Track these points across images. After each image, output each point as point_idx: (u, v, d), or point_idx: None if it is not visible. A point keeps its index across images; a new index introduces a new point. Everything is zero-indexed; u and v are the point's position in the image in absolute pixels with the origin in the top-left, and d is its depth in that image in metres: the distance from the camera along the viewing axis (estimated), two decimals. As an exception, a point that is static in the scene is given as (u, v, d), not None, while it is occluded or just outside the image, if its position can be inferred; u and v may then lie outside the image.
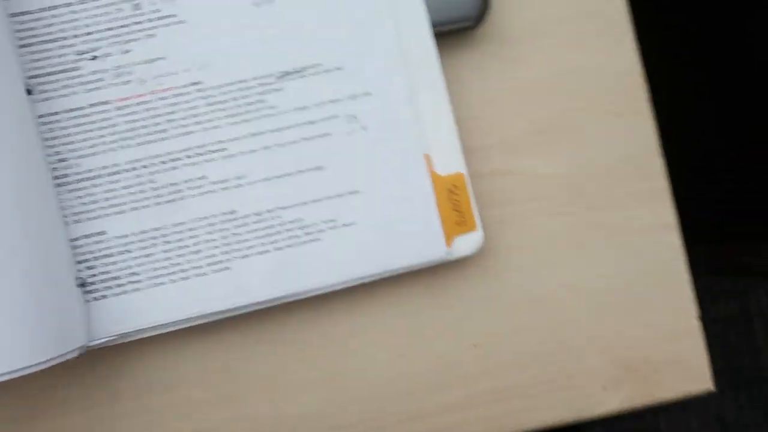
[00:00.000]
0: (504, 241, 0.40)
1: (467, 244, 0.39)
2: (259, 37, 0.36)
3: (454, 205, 0.39)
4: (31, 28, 0.35)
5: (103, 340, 0.36)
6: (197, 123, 0.36)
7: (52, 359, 0.34)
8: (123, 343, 0.37)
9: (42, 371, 0.36)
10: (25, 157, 0.34)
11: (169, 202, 0.36)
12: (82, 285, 0.36)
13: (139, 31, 0.36)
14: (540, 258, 0.40)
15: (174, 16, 0.36)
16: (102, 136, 0.36)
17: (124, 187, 0.36)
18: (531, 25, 0.40)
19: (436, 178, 0.38)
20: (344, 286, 0.38)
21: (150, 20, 0.36)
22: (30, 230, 0.34)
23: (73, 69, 0.35)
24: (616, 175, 0.40)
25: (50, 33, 0.35)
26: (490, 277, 0.40)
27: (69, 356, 0.34)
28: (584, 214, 0.40)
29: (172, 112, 0.36)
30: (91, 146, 0.36)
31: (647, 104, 0.40)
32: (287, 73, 0.37)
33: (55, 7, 0.35)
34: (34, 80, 0.35)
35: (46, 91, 0.35)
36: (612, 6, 0.39)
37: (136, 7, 0.35)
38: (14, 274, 0.33)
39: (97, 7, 0.35)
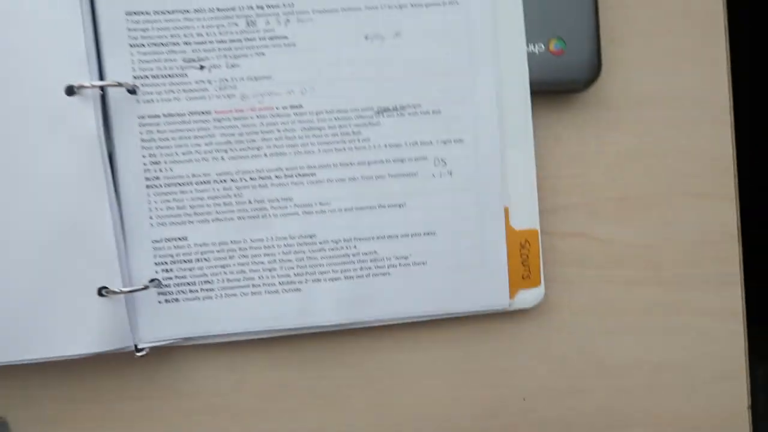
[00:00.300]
0: (568, 301, 0.40)
1: (529, 298, 0.39)
2: (365, 71, 0.36)
3: (522, 259, 0.39)
4: (144, 29, 0.35)
5: (169, 341, 0.37)
6: (291, 145, 0.37)
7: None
8: (188, 345, 0.38)
9: (107, 363, 0.38)
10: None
11: (252, 217, 0.37)
12: (157, 286, 0.37)
13: (250, 47, 0.36)
14: (601, 323, 0.40)
15: (286, 38, 0.36)
16: (197, 145, 0.36)
17: (211, 198, 0.37)
18: (635, 96, 0.40)
19: (510, 232, 0.38)
20: (406, 321, 0.39)
21: (262, 39, 0.36)
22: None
23: (180, 75, 0.36)
24: (692, 254, 0.40)
25: (162, 36, 0.35)
26: (549, 334, 0.40)
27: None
28: (652, 288, 0.40)
29: (269, 132, 0.36)
30: (186, 153, 0.36)
31: (734, 191, 0.40)
32: (386, 110, 0.37)
33: (171, 12, 0.35)
34: (139, 81, 0.35)
35: (149, 93, 0.35)
36: (717, 93, 0.40)
37: (251, 23, 0.36)
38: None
39: (213, 18, 0.35)
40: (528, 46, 0.37)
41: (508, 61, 0.37)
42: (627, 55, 0.40)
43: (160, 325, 0.37)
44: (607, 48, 0.39)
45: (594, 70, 0.38)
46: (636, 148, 0.40)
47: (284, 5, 0.36)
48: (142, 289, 0.36)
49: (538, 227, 0.39)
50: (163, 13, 0.35)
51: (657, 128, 0.40)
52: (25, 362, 0.36)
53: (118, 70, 0.35)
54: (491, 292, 0.39)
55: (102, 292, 0.35)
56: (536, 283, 0.39)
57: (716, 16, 0.40)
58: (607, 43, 0.39)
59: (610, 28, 0.39)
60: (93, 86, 0.34)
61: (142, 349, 0.37)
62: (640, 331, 0.40)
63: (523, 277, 0.39)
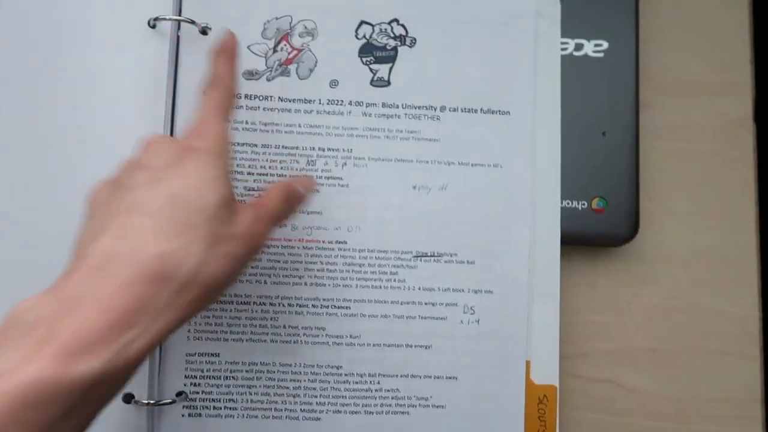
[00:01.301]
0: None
1: (542, 453, 0.40)
2: (409, 217, 0.39)
3: (540, 413, 0.40)
4: (214, 157, 0.38)
5: (185, 456, 0.37)
6: (331, 278, 0.38)
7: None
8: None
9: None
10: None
11: (284, 342, 0.38)
12: (184, 399, 0.37)
13: (306, 184, 0.39)
14: None
15: (341, 179, 0.39)
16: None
17: (249, 318, 0.38)
18: (668, 252, 0.42)
19: (530, 386, 0.39)
20: (420, 462, 0.39)
21: (318, 177, 0.38)
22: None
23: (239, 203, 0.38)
24: (716, 410, 0.41)
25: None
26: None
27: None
28: None
29: (312, 263, 0.38)
30: (232, 273, 0.38)
31: (760, 352, 0.41)
32: (424, 255, 0.39)
33: (241, 144, 0.38)
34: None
35: (208, 214, 0.38)
36: (746, 253, 0.42)
37: (311, 162, 0.38)
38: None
39: (278, 154, 0.38)
40: (572, 203, 0.40)
41: (543, 220, 0.40)
42: (663, 213, 0.42)
43: (179, 438, 0.37)
44: (645, 205, 0.42)
45: (632, 229, 0.40)
46: (667, 302, 0.42)
47: (344, 150, 0.39)
48: (170, 402, 0.37)
49: (557, 383, 0.40)
50: (233, 144, 0.38)
51: (687, 284, 0.42)
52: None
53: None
54: (505, 445, 0.39)
55: (128, 399, 0.36)
56: (551, 440, 0.40)
57: (746, 182, 0.43)
58: (645, 200, 0.42)
59: (648, 187, 0.42)
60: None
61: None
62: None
63: (538, 432, 0.40)
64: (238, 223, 0.29)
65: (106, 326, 0.25)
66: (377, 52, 0.39)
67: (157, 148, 0.30)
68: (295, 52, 0.39)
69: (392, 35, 0.39)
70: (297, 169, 0.38)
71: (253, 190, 0.38)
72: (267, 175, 0.38)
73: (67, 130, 0.37)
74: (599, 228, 0.40)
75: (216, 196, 0.29)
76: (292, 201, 0.33)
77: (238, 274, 0.30)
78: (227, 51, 0.34)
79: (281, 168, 0.38)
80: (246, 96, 0.38)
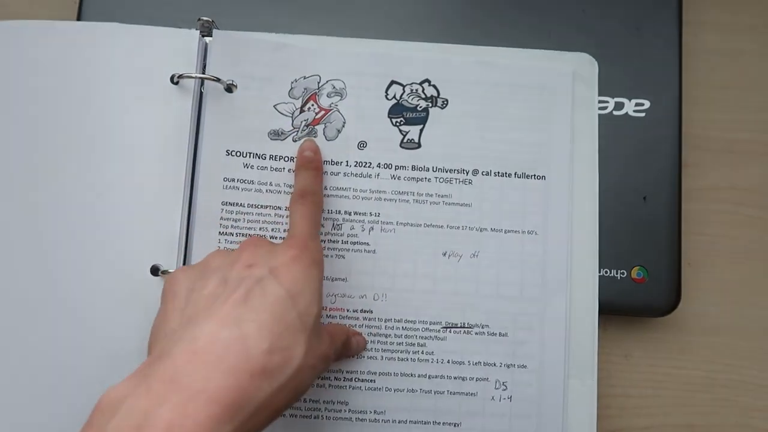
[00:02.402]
0: None
1: None
2: (438, 286, 0.36)
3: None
4: (236, 220, 0.36)
5: None
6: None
7: None
8: None
9: None
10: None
11: (304, 417, 0.35)
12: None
13: (332, 249, 0.36)
14: None
15: (367, 244, 0.37)
16: (264, 336, 0.36)
17: (267, 390, 0.36)
18: (710, 324, 0.39)
19: (567, 467, 0.36)
20: None
21: (344, 242, 0.36)
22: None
23: (260, 266, 0.36)
24: None
25: (251, 228, 0.36)
26: None
27: None
28: None
29: (336, 332, 0.36)
30: (251, 342, 0.36)
31: None
32: (454, 326, 0.36)
33: (264, 207, 0.36)
34: (221, 266, 0.36)
35: (228, 279, 0.36)
36: None
37: (337, 227, 0.36)
38: None
39: (301, 217, 0.37)
40: (610, 272, 0.38)
41: (580, 290, 0.37)
42: (705, 281, 0.40)
43: None
44: (686, 273, 0.39)
45: (673, 300, 0.38)
46: (708, 375, 0.39)
47: (371, 214, 0.37)
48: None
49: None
50: (256, 206, 0.36)
51: (730, 358, 0.39)
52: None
53: (204, 255, 0.35)
54: None
55: None
56: None
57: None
58: (686, 268, 0.39)
59: (691, 253, 0.39)
60: (177, 269, 0.35)
61: None
62: None
63: None
64: (322, 340, 0.30)
65: (205, 419, 0.23)
66: (407, 113, 0.38)
67: (262, 250, 0.30)
68: (322, 112, 0.37)
69: (423, 96, 0.38)
70: (322, 233, 0.36)
71: (276, 254, 0.36)
72: (291, 239, 0.36)
73: (89, 187, 0.35)
74: (639, 299, 0.38)
75: (317, 309, 0.29)
76: (347, 349, 0.35)
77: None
78: (314, 164, 0.36)
79: (306, 232, 0.36)
80: (271, 157, 0.37)
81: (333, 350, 0.32)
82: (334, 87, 0.38)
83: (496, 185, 0.37)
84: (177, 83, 0.36)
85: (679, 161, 0.39)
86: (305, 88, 0.37)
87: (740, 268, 0.40)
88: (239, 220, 0.36)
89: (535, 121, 0.38)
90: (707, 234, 0.40)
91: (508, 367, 0.36)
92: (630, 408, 0.38)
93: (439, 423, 0.36)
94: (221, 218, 0.36)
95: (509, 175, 0.37)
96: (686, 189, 0.39)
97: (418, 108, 0.38)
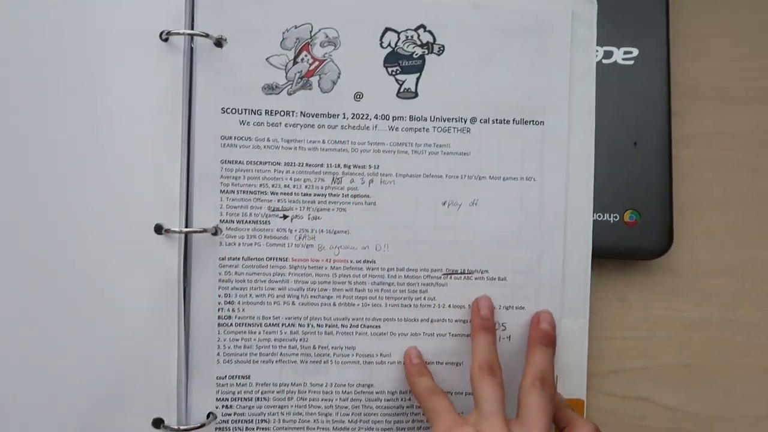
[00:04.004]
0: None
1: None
2: (438, 234, 0.37)
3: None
4: (236, 177, 0.36)
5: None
6: (360, 297, 0.37)
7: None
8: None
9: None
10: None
11: (314, 362, 0.37)
12: (213, 421, 0.36)
13: (333, 202, 0.36)
14: None
15: (367, 197, 0.36)
16: (271, 289, 0.36)
17: (278, 340, 0.37)
18: (703, 266, 0.40)
19: (561, 398, 0.38)
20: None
21: (345, 195, 0.36)
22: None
23: (263, 222, 0.36)
24: (754, 427, 0.39)
25: (252, 185, 0.36)
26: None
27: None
28: None
29: (341, 282, 0.37)
30: (259, 296, 0.36)
31: None
32: (454, 272, 0.37)
33: (263, 163, 0.36)
34: (224, 225, 0.36)
35: (232, 237, 0.36)
36: None
37: (336, 180, 0.36)
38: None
39: (302, 172, 0.36)
40: (603, 215, 0.38)
41: (575, 234, 0.37)
42: (697, 224, 0.40)
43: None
44: (678, 217, 0.39)
45: (665, 243, 0.38)
46: (701, 317, 0.40)
47: (370, 167, 0.36)
48: (198, 427, 0.36)
49: (584, 397, 0.38)
50: (255, 163, 0.36)
51: (724, 299, 0.40)
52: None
53: (207, 213, 0.35)
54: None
55: (158, 424, 0.36)
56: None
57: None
58: (678, 212, 0.39)
59: (682, 198, 0.39)
60: (181, 231, 0.35)
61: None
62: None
63: (566, 446, 0.39)
64: None
65: None
66: (403, 62, 0.36)
67: None
68: (316, 63, 0.36)
69: (419, 43, 0.36)
70: (322, 188, 0.36)
71: (277, 210, 0.36)
72: (291, 194, 0.36)
73: (86, 148, 0.35)
74: (632, 242, 0.38)
75: None
76: None
77: None
78: (548, 339, 0.36)
79: (306, 186, 0.36)
80: (267, 112, 0.36)
81: None
82: (326, 36, 0.36)
83: (494, 132, 0.37)
84: (167, 40, 0.35)
85: (668, 107, 0.38)
86: (297, 38, 0.36)
87: (731, 212, 0.40)
88: (239, 177, 0.36)
89: (533, 64, 0.37)
90: (698, 179, 0.40)
91: (507, 309, 0.37)
92: (626, 350, 0.40)
93: (442, 363, 0.37)
94: (221, 176, 0.36)
95: (507, 122, 0.37)
96: (676, 136, 0.39)
97: (413, 55, 0.36)
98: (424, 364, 0.37)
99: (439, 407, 0.33)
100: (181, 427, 0.35)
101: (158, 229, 0.35)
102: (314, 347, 0.37)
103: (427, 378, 0.36)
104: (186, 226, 0.35)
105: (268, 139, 0.36)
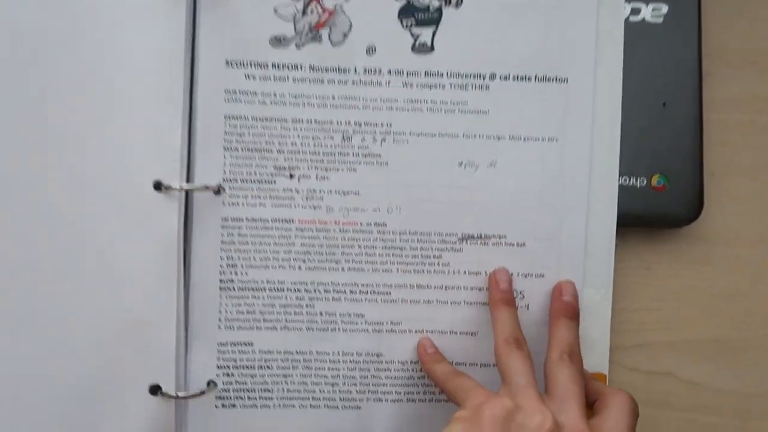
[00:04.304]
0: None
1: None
2: (454, 197, 0.35)
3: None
4: (240, 134, 0.34)
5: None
6: (370, 262, 0.35)
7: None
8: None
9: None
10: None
11: (321, 330, 0.35)
12: (214, 389, 0.35)
13: (342, 162, 0.34)
14: None
15: (379, 156, 0.34)
16: (276, 252, 0.34)
17: (283, 306, 0.35)
18: (734, 234, 0.38)
19: (581, 372, 0.36)
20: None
21: (355, 154, 0.34)
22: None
23: (269, 182, 0.34)
24: None
25: (257, 143, 0.34)
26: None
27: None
28: None
29: (349, 246, 0.35)
30: (263, 259, 0.34)
31: None
32: (470, 237, 0.35)
33: (269, 119, 0.34)
34: (227, 183, 0.34)
35: (236, 197, 0.34)
36: None
37: (347, 138, 0.34)
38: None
39: (310, 129, 0.34)
40: (630, 179, 0.36)
41: (599, 199, 0.35)
42: (728, 192, 0.38)
43: (212, 429, 0.35)
44: (708, 184, 0.37)
45: (695, 209, 0.36)
46: (732, 287, 0.38)
47: (382, 124, 0.34)
48: (197, 395, 0.34)
49: (607, 372, 0.37)
50: (261, 119, 0.34)
51: (754, 269, 0.38)
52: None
53: (209, 171, 0.34)
54: None
55: (155, 391, 0.34)
56: (601, 429, 0.37)
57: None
58: (708, 178, 0.37)
59: (712, 164, 0.37)
60: (182, 188, 0.33)
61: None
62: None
63: (587, 420, 0.37)
64: None
65: None
66: (419, 14, 0.34)
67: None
68: (326, 14, 0.34)
69: (436, -7, 0.34)
70: (331, 146, 0.34)
71: (283, 169, 0.34)
72: (298, 152, 0.34)
73: (78, 97, 0.33)
74: (659, 208, 0.36)
75: None
76: None
77: None
78: (572, 311, 0.34)
79: (314, 145, 0.34)
80: (273, 65, 0.34)
81: None
82: (338, -15, 0.34)
83: (514, 90, 0.34)
84: (169, -8, 0.33)
85: (699, 68, 0.36)
86: (307, -13, 0.34)
87: (763, 177, 0.38)
88: (243, 134, 0.34)
89: (557, 19, 0.34)
90: (729, 144, 0.38)
91: (526, 276, 0.35)
92: (650, 322, 0.38)
93: (456, 332, 0.35)
94: (225, 133, 0.34)
95: (529, 79, 0.35)
96: (707, 100, 0.37)
97: (430, 8, 0.34)
98: (439, 353, 0.35)
99: (466, 385, 0.31)
100: (180, 394, 0.34)
101: (157, 185, 0.33)
102: (321, 314, 0.35)
103: (445, 363, 0.34)
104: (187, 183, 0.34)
105: (275, 95, 0.34)
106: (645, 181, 0.36)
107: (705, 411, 0.37)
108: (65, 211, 0.33)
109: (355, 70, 0.34)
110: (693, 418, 0.37)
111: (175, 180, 0.33)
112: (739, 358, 0.38)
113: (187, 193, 0.34)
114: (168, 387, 0.34)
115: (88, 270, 0.33)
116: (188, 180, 0.34)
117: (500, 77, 0.34)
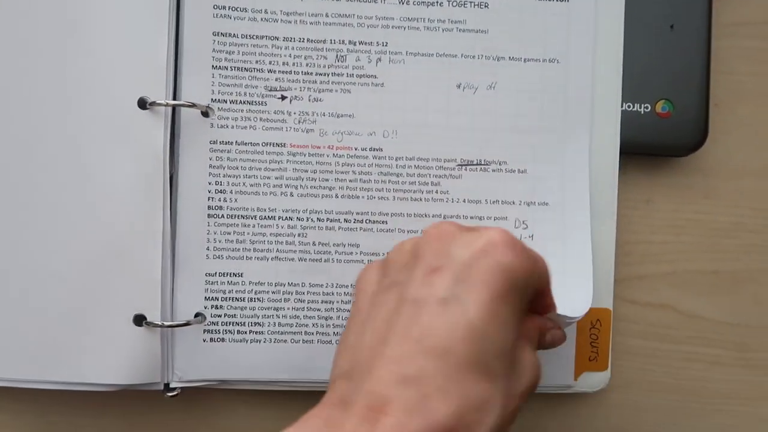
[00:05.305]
0: (644, 378, 0.36)
1: (593, 382, 0.35)
2: (452, 120, 0.33)
3: (592, 339, 0.35)
4: (230, 52, 0.32)
5: (206, 383, 0.33)
6: (365, 189, 0.33)
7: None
8: (225, 389, 0.34)
9: (133, 400, 0.34)
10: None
11: (314, 260, 0.33)
12: (201, 321, 0.33)
13: (336, 83, 0.33)
14: (679, 404, 0.36)
15: (374, 77, 0.33)
16: (267, 178, 0.33)
17: (274, 234, 0.33)
18: (737, 166, 0.36)
19: (584, 308, 0.35)
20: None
21: (350, 75, 0.33)
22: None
23: (259, 103, 0.32)
24: None
25: (247, 61, 0.32)
26: (621, 413, 0.36)
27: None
28: (737, 370, 0.36)
29: (344, 172, 0.33)
30: (254, 185, 0.33)
31: None
32: (470, 163, 0.33)
33: (260, 37, 0.32)
34: (216, 104, 0.32)
35: (225, 119, 0.32)
36: None
37: (341, 58, 0.33)
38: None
39: (302, 48, 0.32)
40: (634, 105, 0.34)
41: (601, 124, 0.34)
42: (732, 123, 0.36)
43: (199, 363, 0.33)
44: (714, 112, 0.35)
45: (700, 136, 0.35)
46: (733, 220, 0.36)
47: (378, 43, 0.33)
48: (184, 324, 0.32)
49: (611, 306, 0.35)
50: (251, 37, 0.32)
51: (757, 202, 0.36)
52: (47, 387, 0.32)
53: (196, 90, 0.32)
54: (554, 370, 0.35)
55: (139, 321, 0.32)
56: (603, 367, 0.35)
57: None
58: (714, 107, 0.35)
59: (718, 92, 0.36)
60: (167, 104, 0.31)
61: (174, 389, 0.33)
62: (720, 415, 0.36)
63: (590, 359, 0.35)
64: (524, 372, 0.24)
65: None
66: (415, -74, 0.33)
67: (447, 243, 0.24)
68: (319, -75, 0.33)
69: None
70: (324, 66, 0.33)
71: (275, 89, 0.32)
72: (290, 72, 0.32)
73: (59, 8, 0.31)
74: (663, 135, 0.34)
75: (513, 336, 0.23)
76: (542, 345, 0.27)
77: None
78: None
79: (306, 64, 0.32)
80: (265, -20, 0.32)
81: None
82: None
83: (515, 8, 0.33)
84: None
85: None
86: None
87: (768, 109, 0.36)
88: (233, 52, 0.32)
89: (558, -68, 0.33)
90: (736, 73, 0.36)
91: (528, 204, 0.34)
92: (651, 254, 0.36)
93: (454, 264, 0.34)
94: (213, 50, 0.32)
95: (529, -4, 0.33)
96: (716, 24, 0.35)
97: None
98: None
99: None
100: (165, 323, 0.32)
101: (142, 103, 0.31)
102: (314, 243, 0.33)
103: None
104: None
105: (266, 11, 0.32)
106: (649, 108, 0.34)
107: (704, 343, 0.36)
108: (46, 130, 0.31)
109: (349, -14, 0.33)
110: (692, 350, 0.36)
111: (161, 97, 0.31)
112: (738, 291, 0.36)
113: (174, 113, 0.32)
114: (153, 317, 0.32)
115: (70, 193, 0.31)
116: (175, 98, 0.32)
117: (500, -6, 0.33)
